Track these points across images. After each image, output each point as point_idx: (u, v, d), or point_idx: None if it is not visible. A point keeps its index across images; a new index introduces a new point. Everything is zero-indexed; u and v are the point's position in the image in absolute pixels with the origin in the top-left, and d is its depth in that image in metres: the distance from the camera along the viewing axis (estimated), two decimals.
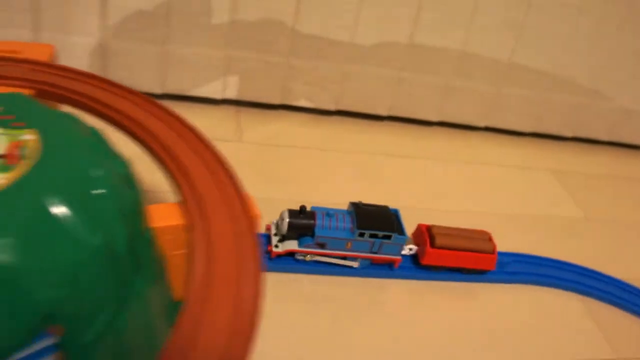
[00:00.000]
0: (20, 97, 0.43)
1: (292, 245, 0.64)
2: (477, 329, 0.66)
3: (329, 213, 0.65)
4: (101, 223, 0.35)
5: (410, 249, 0.70)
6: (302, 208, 0.64)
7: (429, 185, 0.89)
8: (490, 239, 0.71)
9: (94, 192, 0.36)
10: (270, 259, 0.65)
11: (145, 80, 0.87)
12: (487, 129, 1.08)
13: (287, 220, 0.63)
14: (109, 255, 0.35)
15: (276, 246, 0.64)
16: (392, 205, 0.69)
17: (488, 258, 0.70)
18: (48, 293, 0.32)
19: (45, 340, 0.33)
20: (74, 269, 0.33)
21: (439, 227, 0.70)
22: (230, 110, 0.92)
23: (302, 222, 0.63)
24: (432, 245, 0.68)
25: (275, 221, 0.66)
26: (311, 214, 0.64)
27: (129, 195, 0.39)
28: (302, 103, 0.95)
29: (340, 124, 0.97)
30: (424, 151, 0.98)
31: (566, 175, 1.03)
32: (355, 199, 0.68)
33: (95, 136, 0.41)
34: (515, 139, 1.09)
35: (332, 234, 0.64)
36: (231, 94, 0.90)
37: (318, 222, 0.63)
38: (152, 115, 0.51)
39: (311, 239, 0.64)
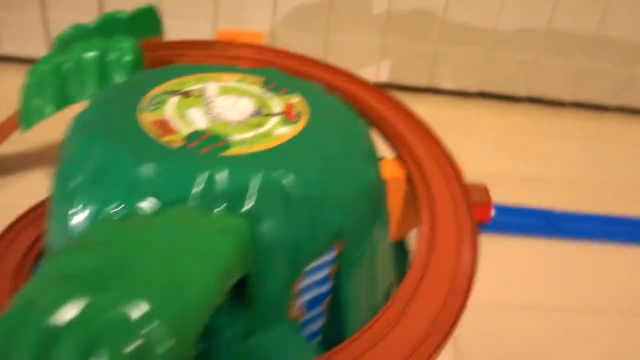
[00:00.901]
0: (273, 70, 0.52)
1: None
2: None
3: None
4: (367, 164, 0.44)
5: None
6: None
7: (563, 162, 0.95)
8: (486, 191, 0.71)
9: (358, 139, 0.45)
10: None
11: None
12: (619, 109, 1.12)
13: None
14: (372, 191, 0.44)
15: None
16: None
17: (483, 210, 0.70)
18: (338, 216, 0.41)
19: (331, 254, 0.42)
20: (354, 198, 0.42)
21: None
22: None
23: None
24: None
25: None
26: None
27: (373, 147, 0.48)
28: (447, 86, 1.02)
29: (481, 104, 1.04)
30: (559, 130, 1.03)
31: None
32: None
33: (338, 98, 0.50)
34: None
35: None
36: (383, 77, 0.99)
37: None
38: (360, 87, 0.60)
39: None
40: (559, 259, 0.75)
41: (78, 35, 0.66)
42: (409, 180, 0.52)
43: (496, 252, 0.73)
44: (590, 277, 0.73)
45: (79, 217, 0.40)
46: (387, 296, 0.52)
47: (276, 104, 0.47)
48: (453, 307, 0.42)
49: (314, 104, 0.47)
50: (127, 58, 0.58)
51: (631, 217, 0.82)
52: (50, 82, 0.60)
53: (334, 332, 0.46)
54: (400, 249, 0.59)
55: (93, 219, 0.40)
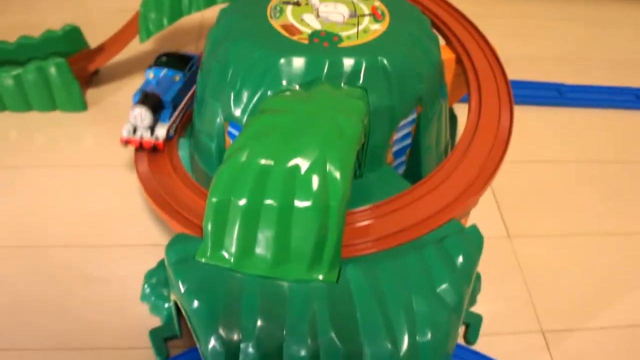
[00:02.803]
0: None
1: (162, 126, 0.65)
2: None
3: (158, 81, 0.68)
4: (435, 47, 0.61)
5: None
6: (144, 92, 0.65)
7: (566, 43, 1.11)
8: None
9: (427, 29, 0.61)
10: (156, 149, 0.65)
11: None
12: None
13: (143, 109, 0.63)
14: (439, 67, 0.61)
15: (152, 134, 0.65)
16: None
17: None
18: (419, 85, 0.58)
19: (413, 115, 0.60)
20: (428, 72, 0.59)
21: None
22: None
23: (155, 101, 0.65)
24: None
25: (129, 126, 0.64)
26: (152, 95, 0.65)
27: (436, 35, 0.64)
28: None
29: None
30: (562, 16, 1.19)
31: None
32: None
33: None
34: None
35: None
36: None
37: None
38: None
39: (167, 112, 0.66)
40: (569, 123, 0.93)
41: None
42: (458, 60, 0.69)
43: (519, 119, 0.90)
44: (594, 136, 0.91)
45: (240, 96, 0.57)
46: (446, 149, 0.70)
47: (364, 7, 0.63)
48: (497, 155, 0.58)
49: (389, 5, 0.63)
50: None
51: (627, 87, 0.99)
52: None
53: (413, 176, 0.64)
54: (451, 114, 0.76)
55: (250, 97, 0.57)
